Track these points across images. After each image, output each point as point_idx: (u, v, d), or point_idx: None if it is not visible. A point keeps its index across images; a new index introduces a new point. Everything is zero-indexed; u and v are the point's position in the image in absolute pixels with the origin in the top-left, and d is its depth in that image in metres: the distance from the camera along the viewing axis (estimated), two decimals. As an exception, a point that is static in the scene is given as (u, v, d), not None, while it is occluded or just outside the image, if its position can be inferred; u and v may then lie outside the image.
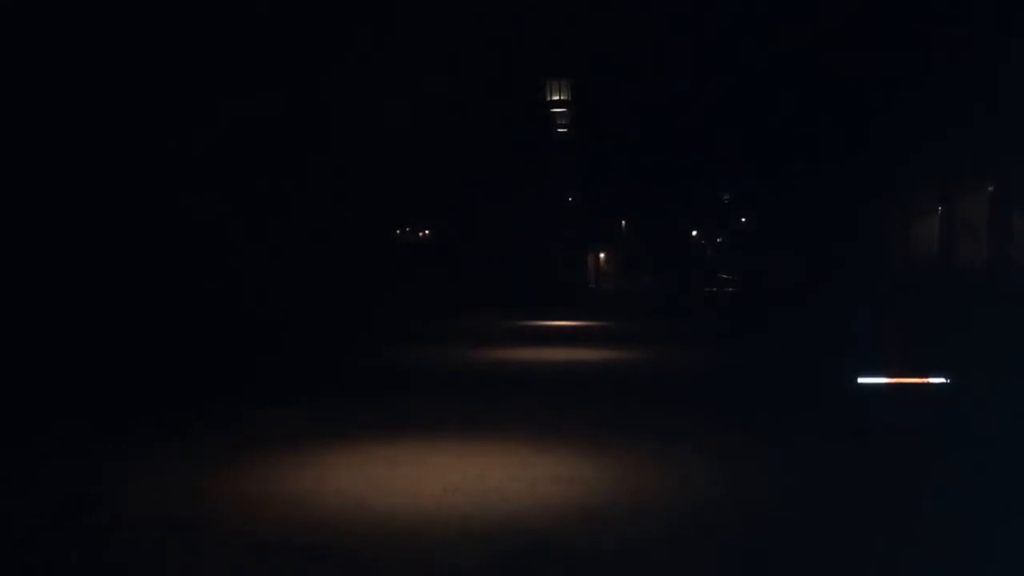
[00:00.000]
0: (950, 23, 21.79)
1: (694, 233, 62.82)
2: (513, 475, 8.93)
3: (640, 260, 62.63)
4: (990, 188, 22.32)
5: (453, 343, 22.54)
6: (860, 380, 14.39)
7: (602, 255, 64.12)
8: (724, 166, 41.17)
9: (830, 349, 18.99)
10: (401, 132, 31.30)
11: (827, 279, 28.02)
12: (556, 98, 51.11)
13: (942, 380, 14.28)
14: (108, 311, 18.23)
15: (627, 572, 6.44)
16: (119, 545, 6.96)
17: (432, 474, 9.00)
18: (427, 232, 45.51)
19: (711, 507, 7.90)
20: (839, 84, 26.79)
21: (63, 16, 17.95)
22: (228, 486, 8.57)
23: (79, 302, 17.74)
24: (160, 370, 16.49)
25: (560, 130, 51.67)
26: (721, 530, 7.33)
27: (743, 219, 50.35)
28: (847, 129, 26.85)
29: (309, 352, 20.69)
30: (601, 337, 24.72)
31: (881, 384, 14.39)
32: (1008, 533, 7.13)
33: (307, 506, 7.90)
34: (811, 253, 31.08)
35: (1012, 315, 16.78)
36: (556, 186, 51.06)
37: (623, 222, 61.29)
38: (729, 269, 52.75)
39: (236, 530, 7.25)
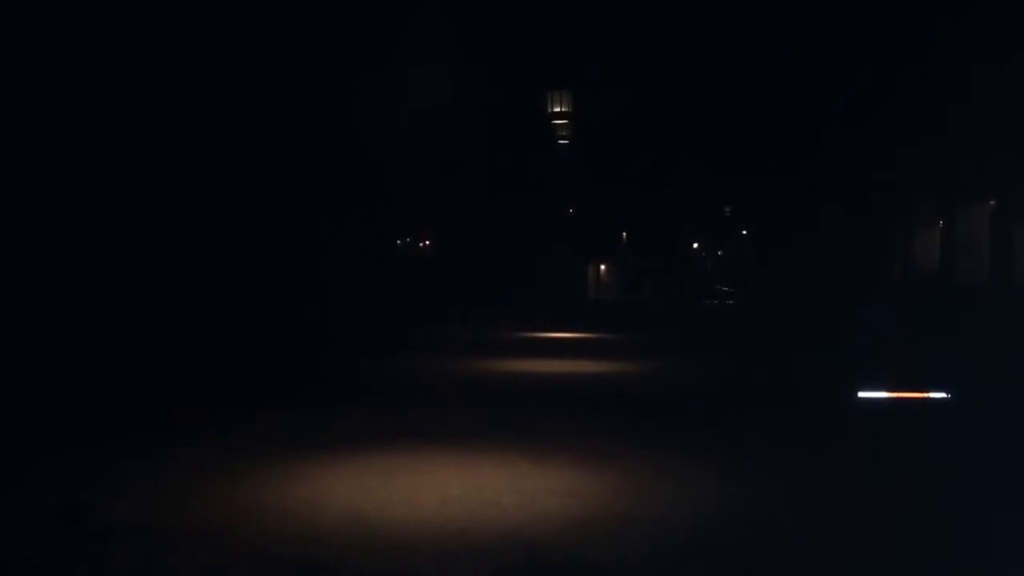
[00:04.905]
0: (951, 38, 21.80)
1: (695, 245, 62.85)
2: (512, 487, 8.88)
3: (641, 272, 62.61)
4: (991, 203, 22.30)
5: (453, 353, 22.49)
6: (860, 394, 14.34)
7: (603, 267, 64.08)
8: (725, 177, 41.16)
9: (830, 362, 18.93)
10: (403, 143, 31.31)
11: (827, 292, 27.98)
12: (557, 110, 51.10)
13: (942, 395, 14.22)
14: (105, 314, 18.20)
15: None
16: (112, 554, 6.90)
17: (430, 485, 8.95)
18: (428, 243, 45.51)
19: (710, 522, 7.86)
20: (840, 97, 26.79)
21: (62, 20, 17.97)
22: (224, 495, 8.52)
23: (76, 306, 17.72)
24: (158, 376, 16.45)
25: (561, 142, 51.64)
26: (720, 546, 7.28)
27: (744, 231, 50.32)
28: (848, 143, 26.84)
29: (307, 359, 20.64)
30: (601, 349, 24.66)
31: (881, 398, 14.34)
32: (1010, 548, 7.08)
33: (304, 517, 7.85)
34: (810, 267, 31.05)
35: (1013, 330, 16.73)
36: (557, 198, 51.03)
37: (624, 234, 61.27)
38: (730, 281, 52.74)
39: (231, 540, 7.20)
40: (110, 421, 12.39)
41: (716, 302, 50.87)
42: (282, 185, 25.50)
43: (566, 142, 51.62)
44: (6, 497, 8.56)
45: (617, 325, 33.60)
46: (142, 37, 19.65)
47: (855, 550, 7.20)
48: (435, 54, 31.69)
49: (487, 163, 38.28)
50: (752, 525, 7.83)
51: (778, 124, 31.25)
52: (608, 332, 30.27)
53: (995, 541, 7.35)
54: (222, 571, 6.60)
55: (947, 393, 14.21)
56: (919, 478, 9.61)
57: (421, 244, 45.10)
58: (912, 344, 18.34)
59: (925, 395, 14.35)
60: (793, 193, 32.51)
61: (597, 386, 17.10)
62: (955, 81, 21.45)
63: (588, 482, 9.16)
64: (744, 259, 49.17)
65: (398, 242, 42.19)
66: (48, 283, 17.68)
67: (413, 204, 36.39)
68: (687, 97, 39.45)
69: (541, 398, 15.44)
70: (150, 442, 11.06)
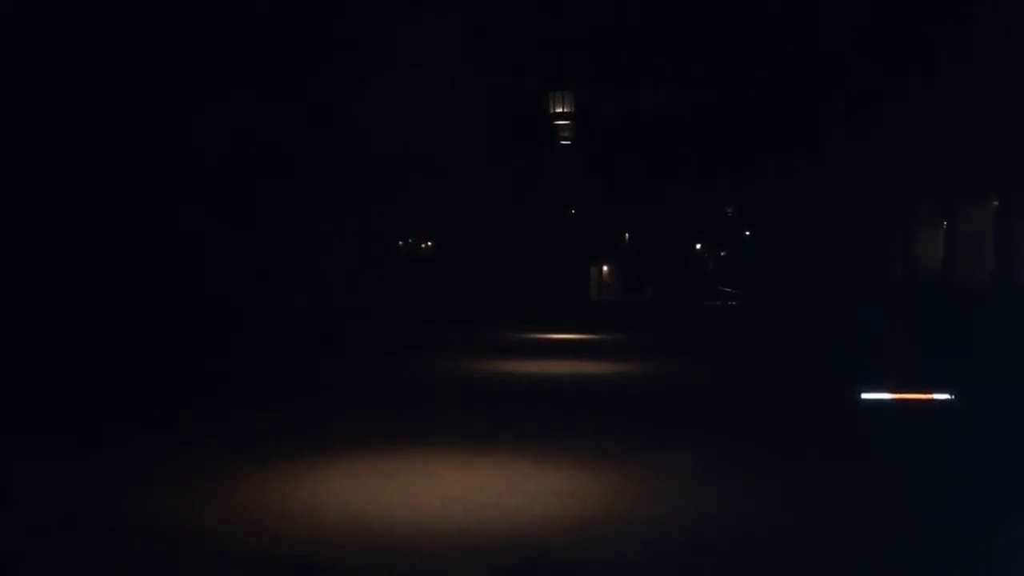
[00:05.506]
0: (953, 37, 21.75)
1: (698, 246, 62.86)
2: (513, 488, 8.84)
3: (643, 273, 62.64)
4: (995, 203, 22.24)
5: (454, 354, 22.45)
6: (864, 396, 14.28)
7: (604, 268, 64.05)
8: (727, 178, 41.16)
9: (833, 364, 18.88)
10: (403, 144, 31.29)
11: (829, 292, 27.92)
12: (559, 110, 51.12)
13: (946, 396, 14.16)
14: (106, 314, 18.19)
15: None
16: (111, 556, 6.87)
17: (431, 486, 8.91)
18: (430, 244, 45.51)
19: (711, 524, 7.80)
20: (841, 96, 26.75)
21: (62, 21, 17.95)
22: (224, 495, 8.48)
23: (76, 306, 17.69)
24: (158, 376, 16.42)
25: (563, 142, 51.66)
26: (720, 546, 7.23)
27: (747, 232, 50.30)
28: (849, 142, 26.81)
29: (307, 359, 20.61)
30: (602, 350, 24.62)
31: (884, 400, 14.28)
32: (1014, 550, 7.03)
33: (303, 518, 7.81)
34: (813, 267, 31.01)
35: (1016, 330, 16.67)
36: (559, 199, 51.04)
37: (626, 235, 61.25)
38: (732, 281, 52.71)
39: (230, 542, 7.16)
40: (110, 421, 12.36)
41: (719, 303, 50.85)
42: (282, 185, 25.48)
43: (568, 143, 51.64)
44: (6, 497, 8.52)
45: (618, 326, 33.58)
46: (141, 38, 19.62)
47: (856, 551, 7.15)
48: (436, 54, 31.67)
49: (488, 164, 38.25)
50: (753, 526, 7.78)
51: (779, 124, 31.21)
52: (609, 333, 30.24)
53: (999, 543, 7.29)
54: (222, 572, 6.57)
55: (951, 394, 14.14)
56: (922, 479, 9.56)
57: (423, 245, 45.11)
58: (915, 345, 18.28)
59: (929, 396, 14.28)
60: (795, 193, 32.46)
61: (598, 386, 17.06)
62: (956, 80, 21.40)
63: (589, 482, 9.12)
64: (746, 259, 49.12)
65: (400, 243, 42.19)
66: (48, 283, 17.66)
67: (413, 205, 36.38)
68: (689, 98, 39.44)
69: (542, 398, 15.40)
70: (150, 442, 11.03)
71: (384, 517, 7.85)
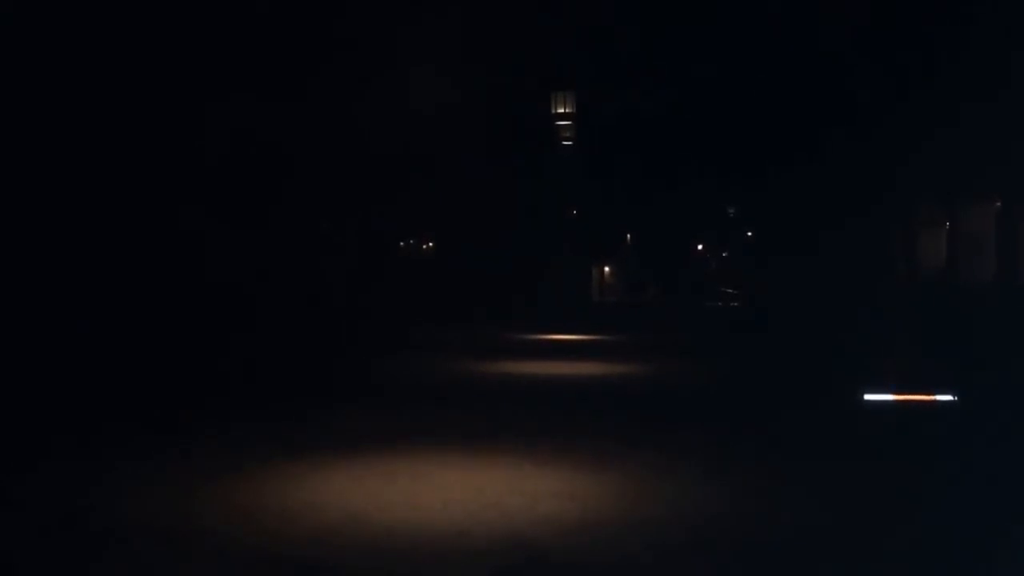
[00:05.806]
0: (953, 37, 21.73)
1: (699, 247, 62.82)
2: (513, 489, 8.82)
3: (643, 273, 62.59)
4: (997, 203, 22.20)
5: (454, 354, 22.44)
6: (865, 396, 14.25)
7: (606, 268, 63.99)
8: (727, 178, 41.10)
9: (834, 364, 18.86)
10: (404, 144, 31.28)
11: (831, 293, 27.89)
12: (561, 111, 51.12)
13: (949, 397, 14.13)
14: (105, 315, 18.18)
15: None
16: (111, 556, 6.85)
17: (432, 488, 8.89)
18: (430, 244, 45.49)
19: (712, 526, 7.79)
20: (841, 96, 26.73)
21: (62, 22, 17.95)
22: (224, 496, 8.47)
23: (76, 306, 17.69)
24: (158, 377, 16.41)
25: (564, 143, 51.65)
26: (720, 549, 7.21)
27: (748, 232, 50.23)
28: (849, 142, 26.77)
29: (307, 359, 20.60)
30: (603, 351, 24.61)
31: (887, 401, 14.25)
32: (1013, 551, 7.02)
33: (304, 519, 7.80)
34: (814, 267, 30.98)
35: (1019, 330, 16.64)
36: (559, 199, 50.99)
37: (628, 235, 61.19)
38: (734, 283, 52.68)
39: (231, 543, 7.15)
40: (110, 421, 12.35)
41: (720, 303, 50.81)
42: (282, 185, 25.48)
43: (569, 143, 51.63)
44: (6, 498, 8.51)
45: (619, 326, 33.56)
46: (142, 38, 19.62)
47: (857, 551, 7.13)
48: (436, 54, 31.67)
49: (488, 164, 38.21)
50: (754, 526, 7.77)
51: (779, 124, 31.19)
52: (610, 334, 30.23)
53: (999, 543, 7.27)
54: (222, 572, 6.55)
55: (952, 395, 14.12)
56: (924, 481, 9.54)
57: (423, 245, 45.09)
58: (917, 345, 18.26)
59: (930, 397, 14.26)
60: (796, 193, 32.42)
61: (598, 387, 17.05)
62: (957, 80, 21.37)
63: (590, 483, 9.10)
64: (747, 260, 49.08)
65: (400, 243, 42.18)
66: (49, 283, 17.66)
67: (413, 205, 36.38)
68: (690, 98, 39.41)
69: (542, 399, 15.39)
70: (150, 442, 11.02)
71: (384, 518, 7.83)
